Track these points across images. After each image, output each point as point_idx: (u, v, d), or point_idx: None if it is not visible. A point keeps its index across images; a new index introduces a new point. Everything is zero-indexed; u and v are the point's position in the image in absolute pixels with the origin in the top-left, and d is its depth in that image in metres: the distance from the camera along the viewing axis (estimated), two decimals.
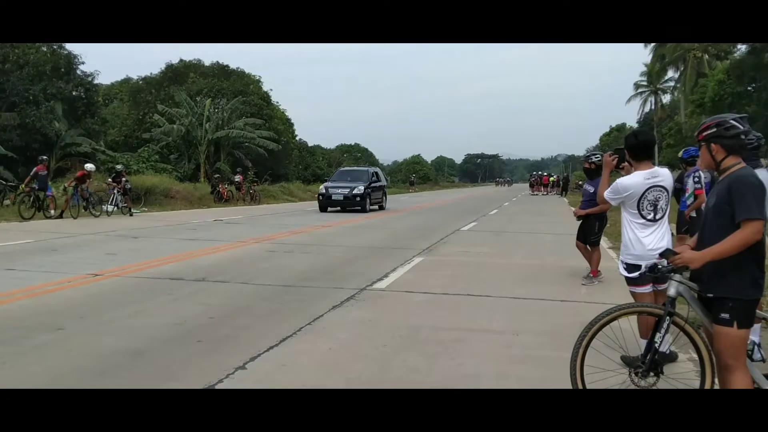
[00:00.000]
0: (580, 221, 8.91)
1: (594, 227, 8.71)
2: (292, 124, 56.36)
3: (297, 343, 5.38)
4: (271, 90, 51.24)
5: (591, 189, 8.54)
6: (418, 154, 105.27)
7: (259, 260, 10.12)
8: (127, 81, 55.03)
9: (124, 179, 19.83)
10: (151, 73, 49.69)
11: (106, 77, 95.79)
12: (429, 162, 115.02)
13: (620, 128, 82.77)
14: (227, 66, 50.47)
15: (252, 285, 7.92)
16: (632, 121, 72.35)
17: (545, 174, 62.89)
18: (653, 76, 59.62)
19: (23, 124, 26.89)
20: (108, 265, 9.12)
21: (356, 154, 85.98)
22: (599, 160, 8.59)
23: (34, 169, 17.53)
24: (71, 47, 31.14)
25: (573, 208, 27.75)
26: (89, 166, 18.84)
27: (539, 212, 26.41)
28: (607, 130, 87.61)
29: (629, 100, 66.46)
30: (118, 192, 19.35)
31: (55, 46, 30.35)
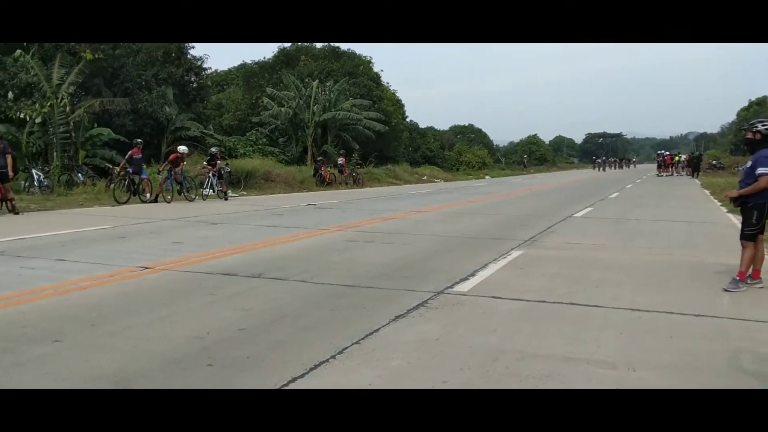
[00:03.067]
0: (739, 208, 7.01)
1: (751, 216, 6.77)
2: (402, 106, 55.11)
3: (330, 374, 4.09)
4: (381, 71, 50.27)
5: (750, 164, 6.72)
6: (535, 134, 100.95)
7: (332, 251, 8.95)
8: (243, 66, 56.00)
9: (218, 162, 19.45)
10: (264, 58, 50.24)
11: (223, 63, 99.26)
12: (547, 142, 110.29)
13: (761, 102, 75.02)
14: (338, 48, 50.03)
15: (310, 284, 6.74)
16: None
17: (668, 153, 57.82)
18: None
19: (136, 109, 27.42)
20: (166, 256, 8.28)
21: (470, 135, 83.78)
22: (766, 128, 6.65)
23: (129, 153, 17.43)
24: None
25: (706, 191, 24.99)
26: (182, 149, 18.53)
27: (667, 195, 23.66)
28: (746, 104, 79.71)
29: None
30: (213, 175, 18.99)
31: None
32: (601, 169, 70.44)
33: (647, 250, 9.48)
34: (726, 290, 6.69)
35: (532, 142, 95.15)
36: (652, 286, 6.87)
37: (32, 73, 23.41)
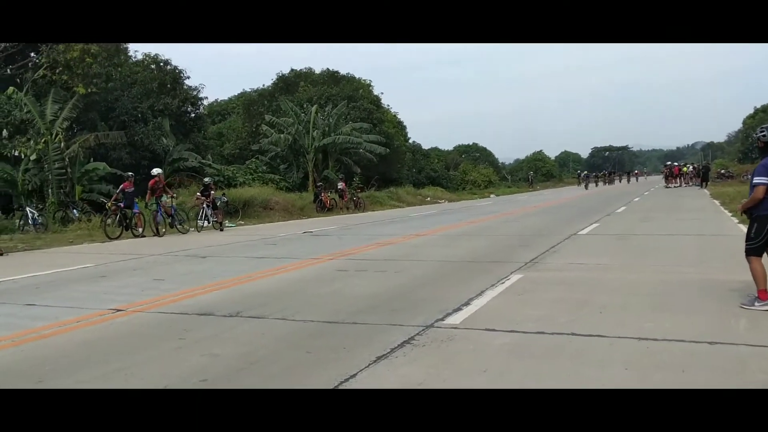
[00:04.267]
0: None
1: (750, 229, 6.31)
2: (404, 127, 54.86)
3: None
4: (382, 93, 49.98)
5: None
6: (540, 150, 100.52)
7: (320, 283, 8.45)
8: (242, 95, 55.98)
9: (212, 192, 19.04)
10: (263, 85, 50.19)
11: (223, 92, 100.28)
12: (552, 158, 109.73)
13: (766, 108, 74.40)
14: (337, 72, 49.93)
15: (290, 322, 6.24)
16: None
17: (676, 164, 57.14)
18: None
19: (132, 141, 27.20)
20: (143, 296, 7.80)
21: (474, 153, 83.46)
22: (765, 136, 6.22)
23: (121, 186, 17.03)
24: (177, 62, 31.53)
25: (716, 201, 24.40)
26: (155, 171, 17.89)
27: (675, 207, 23.06)
28: (752, 111, 79.08)
29: None
30: (207, 206, 18.56)
31: (161, 63, 30.73)
32: (585, 185, 59.03)
33: (656, 269, 8.93)
34: (743, 306, 6.17)
35: (538, 158, 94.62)
36: (661, 310, 6.32)
37: (26, 110, 23.21)
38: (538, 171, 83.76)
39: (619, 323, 5.78)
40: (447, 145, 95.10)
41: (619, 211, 22.15)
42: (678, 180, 50.12)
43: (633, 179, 79.78)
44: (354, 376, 4.51)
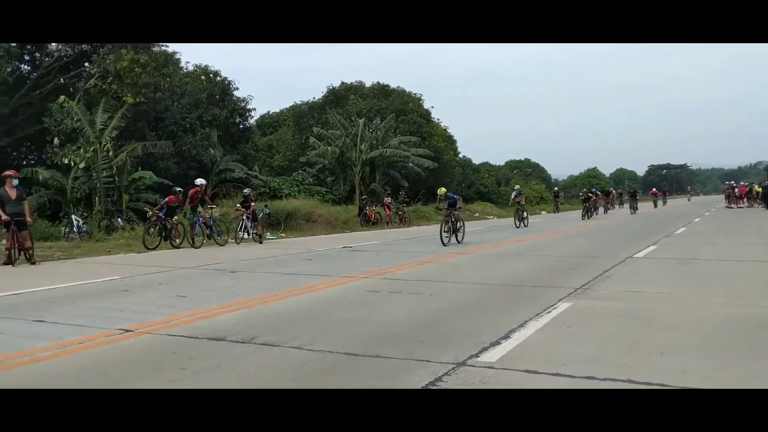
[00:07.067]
0: None
1: None
2: (454, 142, 54.06)
3: None
4: (432, 107, 49.40)
5: None
6: (595, 167, 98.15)
7: (347, 306, 7.80)
8: (293, 107, 56.17)
9: (252, 203, 18.66)
10: (314, 98, 50.21)
11: (275, 104, 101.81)
12: (607, 175, 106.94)
13: None
14: (387, 86, 49.57)
15: (305, 351, 5.59)
16: None
17: (743, 183, 54.50)
18: None
19: (180, 151, 27.27)
20: (159, 314, 7.30)
21: (526, 169, 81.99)
22: None
23: (166, 199, 16.80)
24: (226, 74, 31.57)
25: None
26: (198, 181, 17.54)
27: (742, 230, 21.60)
28: None
29: None
30: (247, 218, 18.18)
31: (211, 74, 30.86)
32: (587, 214, 33.26)
33: (723, 300, 7.95)
34: None
35: (592, 175, 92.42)
36: (731, 353, 5.43)
37: (76, 119, 23.49)
38: (593, 188, 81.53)
39: (683, 369, 4.93)
40: (498, 160, 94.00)
41: (678, 232, 20.85)
42: (743, 201, 47.70)
43: (655, 202, 54.34)
44: None
